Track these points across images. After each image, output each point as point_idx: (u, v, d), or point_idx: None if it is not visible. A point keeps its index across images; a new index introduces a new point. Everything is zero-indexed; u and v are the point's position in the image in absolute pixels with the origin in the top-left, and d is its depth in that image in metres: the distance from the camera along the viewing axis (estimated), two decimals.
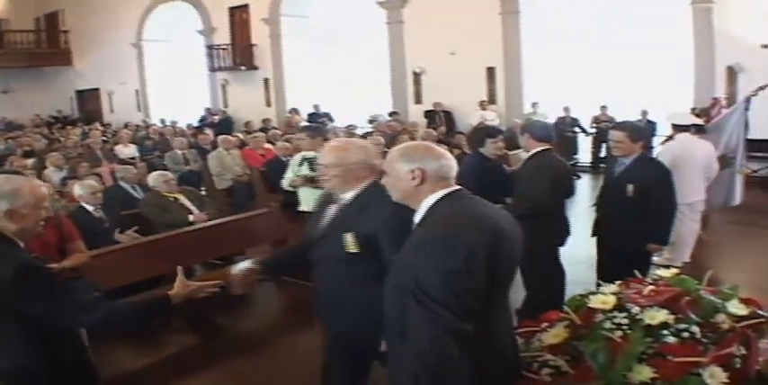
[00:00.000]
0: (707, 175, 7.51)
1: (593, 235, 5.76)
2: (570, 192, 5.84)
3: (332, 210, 3.54)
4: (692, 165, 7.25)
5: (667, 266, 3.36)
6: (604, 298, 2.90)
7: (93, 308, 3.00)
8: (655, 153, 8.42)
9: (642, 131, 5.83)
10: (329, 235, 3.46)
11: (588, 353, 2.77)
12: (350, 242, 3.34)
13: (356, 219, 3.35)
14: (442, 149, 2.79)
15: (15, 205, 2.90)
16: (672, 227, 5.54)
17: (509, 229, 2.64)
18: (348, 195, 3.45)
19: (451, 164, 2.74)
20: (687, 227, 7.49)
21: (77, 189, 6.91)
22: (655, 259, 7.52)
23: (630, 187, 5.34)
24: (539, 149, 5.45)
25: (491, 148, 5.89)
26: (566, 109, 15.43)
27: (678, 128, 7.56)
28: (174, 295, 3.17)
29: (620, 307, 2.86)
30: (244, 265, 3.71)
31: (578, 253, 5.72)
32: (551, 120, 14.40)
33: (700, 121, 8.12)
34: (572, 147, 15.35)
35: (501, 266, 2.53)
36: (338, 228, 3.41)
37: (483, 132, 6.15)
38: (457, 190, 2.71)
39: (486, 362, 2.56)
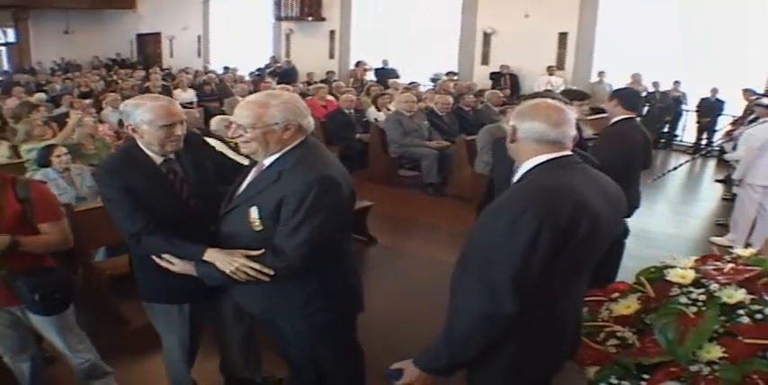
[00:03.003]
0: None
1: None
2: (647, 164, 5.64)
3: (248, 178, 3.09)
4: None
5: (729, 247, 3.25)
6: (683, 272, 2.83)
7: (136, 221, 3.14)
8: (740, 133, 8.25)
9: None
10: (237, 207, 3.01)
11: (658, 326, 2.71)
12: (254, 219, 2.90)
13: (269, 190, 2.90)
14: (564, 113, 2.51)
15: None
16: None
17: (602, 206, 2.43)
18: (268, 161, 2.96)
19: (562, 129, 2.47)
20: (754, 208, 7.36)
21: None
22: (717, 240, 7.44)
23: None
24: (623, 117, 5.33)
25: (576, 112, 5.71)
26: (676, 82, 14.86)
27: None
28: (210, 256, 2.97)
29: (696, 282, 2.79)
30: None
31: (631, 225, 5.52)
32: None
33: None
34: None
35: (579, 245, 2.35)
36: (248, 201, 2.96)
37: (572, 94, 5.93)
38: (562, 156, 2.48)
39: (537, 342, 2.49)
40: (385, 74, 18.38)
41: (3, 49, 26.67)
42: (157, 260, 3.10)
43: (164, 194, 3.27)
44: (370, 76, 18.88)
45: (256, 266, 2.84)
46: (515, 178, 2.54)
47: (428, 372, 2.51)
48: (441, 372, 2.50)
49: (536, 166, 2.47)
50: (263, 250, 2.86)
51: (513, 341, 2.42)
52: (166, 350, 3.81)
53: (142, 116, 3.17)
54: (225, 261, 2.90)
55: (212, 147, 3.68)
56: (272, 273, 2.86)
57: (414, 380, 2.54)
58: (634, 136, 5.29)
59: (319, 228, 2.81)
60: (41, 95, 13.69)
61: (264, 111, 2.85)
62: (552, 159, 2.46)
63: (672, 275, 2.83)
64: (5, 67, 26.00)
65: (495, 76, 16.74)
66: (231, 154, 3.92)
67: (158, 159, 3.30)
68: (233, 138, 3.04)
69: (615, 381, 2.76)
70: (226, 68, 20.91)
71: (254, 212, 2.89)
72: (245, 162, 3.37)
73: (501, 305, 2.27)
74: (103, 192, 3.28)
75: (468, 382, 2.65)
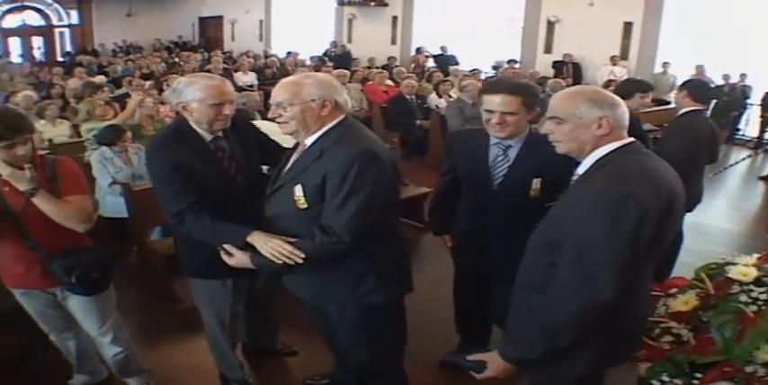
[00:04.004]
0: None
1: (463, 266, 4.19)
2: (713, 157, 5.47)
3: (291, 160, 3.10)
4: None
5: None
6: (745, 269, 2.73)
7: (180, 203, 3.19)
8: None
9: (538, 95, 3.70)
10: (282, 187, 3.02)
11: (715, 325, 2.62)
12: (298, 196, 2.91)
13: (312, 168, 2.90)
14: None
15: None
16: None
17: (680, 195, 2.41)
18: (309, 141, 2.97)
19: (627, 112, 2.45)
20: None
21: None
22: None
23: (537, 182, 3.54)
24: (690, 109, 5.21)
25: (637, 103, 5.52)
26: (742, 75, 14.28)
27: None
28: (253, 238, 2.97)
29: (758, 281, 2.70)
30: None
31: (689, 220, 5.31)
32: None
33: None
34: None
35: (665, 234, 2.33)
36: (292, 180, 2.97)
37: (636, 85, 5.68)
38: (631, 142, 2.44)
39: (613, 332, 2.45)
40: (444, 60, 18.30)
41: (66, 30, 27.29)
42: (222, 254, 3.08)
43: (212, 171, 3.33)
44: (431, 63, 18.77)
45: (289, 247, 2.85)
46: (581, 169, 2.46)
47: (517, 363, 2.49)
48: (532, 363, 2.46)
49: (609, 153, 2.40)
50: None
51: (602, 330, 2.38)
52: (207, 327, 3.89)
53: (193, 94, 3.24)
54: (263, 242, 2.92)
55: (257, 127, 3.74)
56: (303, 255, 2.85)
57: (501, 372, 2.53)
58: (701, 128, 5.16)
59: (365, 201, 2.80)
60: (102, 78, 13.92)
61: (300, 88, 2.88)
62: (624, 146, 2.42)
63: (733, 272, 2.73)
64: (68, 48, 26.63)
65: (557, 65, 16.54)
66: (279, 136, 3.95)
67: (208, 136, 3.37)
68: (273, 119, 3.04)
69: (667, 379, 2.69)
70: (288, 53, 20.97)
71: (298, 190, 2.90)
72: (289, 144, 3.36)
73: (601, 293, 2.23)
74: (152, 169, 3.33)
75: (544, 374, 2.61)
